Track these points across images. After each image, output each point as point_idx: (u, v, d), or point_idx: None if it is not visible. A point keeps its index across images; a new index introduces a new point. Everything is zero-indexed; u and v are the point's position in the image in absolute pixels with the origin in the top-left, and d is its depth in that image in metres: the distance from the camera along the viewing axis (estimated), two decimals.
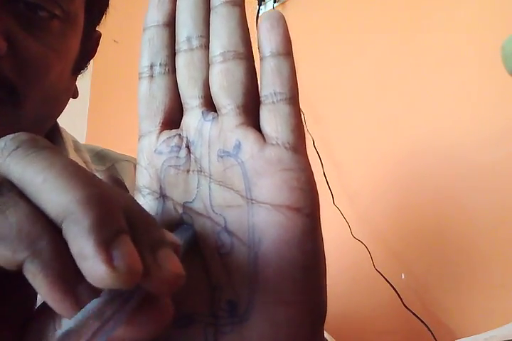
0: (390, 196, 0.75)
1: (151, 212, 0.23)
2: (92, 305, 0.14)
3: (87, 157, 0.51)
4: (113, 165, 0.53)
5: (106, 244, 0.14)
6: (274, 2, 0.93)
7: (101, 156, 0.54)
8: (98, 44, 0.48)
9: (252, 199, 0.21)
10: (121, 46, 1.30)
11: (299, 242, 0.20)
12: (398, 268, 0.71)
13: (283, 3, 0.93)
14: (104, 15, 0.47)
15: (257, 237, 0.20)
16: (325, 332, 0.40)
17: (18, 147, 0.16)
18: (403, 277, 0.69)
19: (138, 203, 0.18)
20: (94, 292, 0.14)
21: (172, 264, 0.15)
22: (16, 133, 0.16)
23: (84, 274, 0.14)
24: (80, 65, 0.45)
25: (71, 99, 0.46)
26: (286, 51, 0.22)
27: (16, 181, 0.15)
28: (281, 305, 0.20)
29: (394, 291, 0.68)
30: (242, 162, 0.21)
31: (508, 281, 0.60)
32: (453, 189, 0.67)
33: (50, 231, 0.15)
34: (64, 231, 0.14)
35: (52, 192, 0.15)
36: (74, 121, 1.42)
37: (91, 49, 0.47)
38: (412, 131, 0.73)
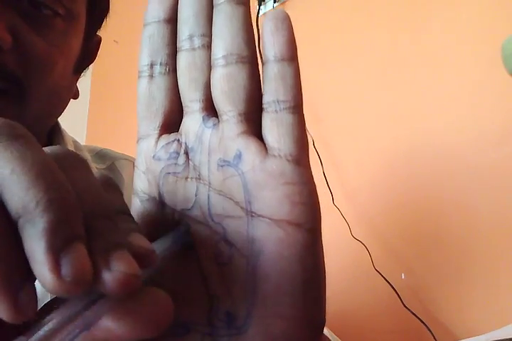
0: (389, 196, 0.75)
1: (149, 218, 0.22)
2: (56, 314, 0.14)
3: (88, 156, 0.52)
4: (113, 163, 0.55)
5: (56, 250, 0.14)
6: (274, 2, 0.93)
7: (101, 155, 0.55)
8: (98, 48, 0.49)
9: (251, 212, 0.20)
10: (121, 46, 1.30)
11: (299, 257, 0.20)
12: (398, 267, 0.71)
13: (283, 3, 0.93)
14: (104, 20, 0.48)
15: (257, 250, 0.20)
16: (326, 329, 0.40)
17: None
18: (403, 277, 0.70)
19: (114, 204, 0.18)
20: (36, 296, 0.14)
21: (123, 265, 0.15)
22: None
23: (35, 276, 0.14)
24: (81, 65, 0.46)
25: (72, 99, 0.46)
26: (291, 56, 0.20)
27: None
28: (280, 318, 0.19)
29: (393, 291, 0.68)
30: (242, 173, 0.20)
31: (509, 281, 0.60)
32: (453, 189, 0.67)
33: (7, 227, 0.14)
34: (19, 228, 0.14)
35: (16, 186, 0.14)
36: (74, 121, 1.42)
37: (91, 52, 0.48)
38: (412, 131, 0.73)
